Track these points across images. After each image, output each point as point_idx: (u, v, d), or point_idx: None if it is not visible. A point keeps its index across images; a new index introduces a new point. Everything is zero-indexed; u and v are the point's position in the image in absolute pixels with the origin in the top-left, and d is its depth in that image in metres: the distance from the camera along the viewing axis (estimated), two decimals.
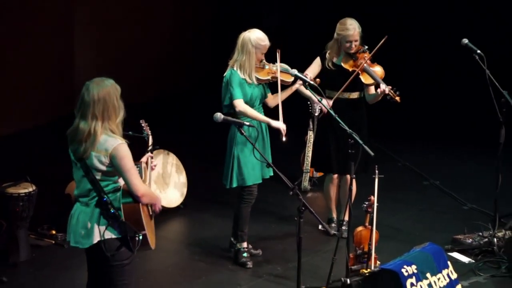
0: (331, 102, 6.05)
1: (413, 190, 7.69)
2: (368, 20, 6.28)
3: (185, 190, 7.13)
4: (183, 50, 11.33)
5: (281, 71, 5.80)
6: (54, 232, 6.35)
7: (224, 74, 5.80)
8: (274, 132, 5.96)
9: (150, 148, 4.85)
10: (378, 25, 6.13)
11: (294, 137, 8.44)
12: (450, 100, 10.52)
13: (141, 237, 4.14)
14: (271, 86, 5.93)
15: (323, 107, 5.79)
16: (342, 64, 6.19)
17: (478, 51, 6.08)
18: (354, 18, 6.18)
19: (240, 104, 5.67)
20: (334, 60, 6.23)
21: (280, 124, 5.72)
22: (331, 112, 5.41)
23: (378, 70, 6.19)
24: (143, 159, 4.56)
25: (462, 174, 8.21)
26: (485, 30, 10.07)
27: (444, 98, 10.64)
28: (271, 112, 5.97)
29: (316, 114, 6.86)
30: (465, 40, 6.20)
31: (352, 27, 6.09)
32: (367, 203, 5.63)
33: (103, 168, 4.15)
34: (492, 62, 6.12)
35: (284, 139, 5.71)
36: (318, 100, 5.57)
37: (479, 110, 9.28)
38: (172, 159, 7.12)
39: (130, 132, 4.34)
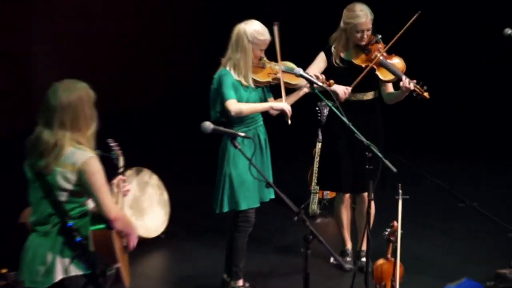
0: (349, 89, 6.08)
1: (445, 214, 7.72)
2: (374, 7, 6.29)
3: (168, 210, 7.14)
4: (163, 52, 11.43)
5: (284, 71, 5.80)
6: (5, 270, 6.35)
7: (214, 75, 5.82)
8: (275, 145, 5.99)
9: (121, 170, 4.89)
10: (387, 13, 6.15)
11: (300, 150, 8.51)
12: (489, 107, 10.55)
13: (113, 272, 4.17)
14: (274, 89, 5.92)
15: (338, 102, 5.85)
16: (353, 60, 6.19)
17: None
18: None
19: (233, 106, 5.67)
20: (342, 55, 6.24)
21: (283, 105, 5.73)
22: (345, 120, 5.41)
23: (397, 62, 6.19)
24: (114, 182, 4.60)
25: (505, 194, 8.23)
26: None
27: (482, 103, 10.67)
28: (273, 120, 6.02)
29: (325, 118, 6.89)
30: (509, 30, 6.21)
31: (363, 14, 6.09)
32: (389, 230, 5.63)
33: (69, 186, 4.17)
34: None
35: (289, 121, 5.71)
36: (327, 103, 5.60)
37: None
38: (152, 179, 7.13)
39: (97, 151, 4.37)
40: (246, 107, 5.70)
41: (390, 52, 6.22)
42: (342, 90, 6.06)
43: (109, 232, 4.22)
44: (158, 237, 7.12)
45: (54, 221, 4.20)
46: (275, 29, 5.74)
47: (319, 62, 6.24)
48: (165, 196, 7.17)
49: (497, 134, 9.86)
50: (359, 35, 6.13)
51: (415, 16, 6.01)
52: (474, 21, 10.90)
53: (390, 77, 6.16)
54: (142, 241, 6.88)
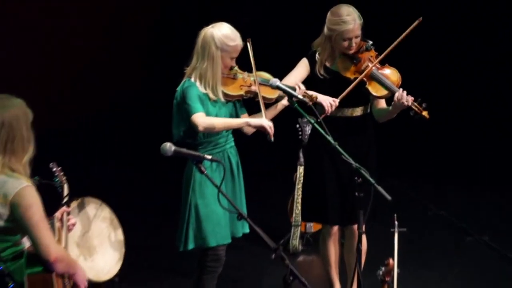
0: (337, 101, 6.01)
1: (451, 249, 7.71)
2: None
3: (123, 252, 7.10)
4: (112, 58, 11.46)
5: (259, 83, 5.76)
6: None
7: (177, 88, 5.79)
8: (249, 170, 5.96)
9: (65, 200, 4.85)
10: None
11: (278, 175, 8.47)
12: (501, 124, 10.59)
13: None
14: (248, 103, 5.89)
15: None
16: (340, 71, 6.17)
17: None
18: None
19: (201, 119, 5.60)
20: (328, 64, 6.21)
21: (263, 121, 5.67)
22: (330, 138, 5.41)
23: (390, 73, 6.17)
24: (57, 215, 4.58)
25: None
26: None
27: (492, 120, 10.72)
28: (247, 140, 5.98)
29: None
30: None
31: (350, 19, 6.05)
32: (383, 268, 5.61)
33: (0, 222, 4.13)
34: None
35: (272, 139, 5.65)
36: (309, 120, 5.58)
37: None
38: (102, 211, 7.09)
39: (36, 178, 4.34)
40: (219, 122, 5.66)
41: (383, 62, 6.20)
42: (328, 102, 5.99)
43: (49, 276, 4.17)
44: (111, 281, 7.05)
45: None
46: (248, 45, 5.74)
47: (301, 71, 6.21)
48: (119, 231, 7.12)
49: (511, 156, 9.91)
50: (346, 43, 6.11)
51: (415, 23, 5.99)
52: (478, 27, 11.02)
53: (383, 92, 6.13)
54: (92, 285, 6.84)
